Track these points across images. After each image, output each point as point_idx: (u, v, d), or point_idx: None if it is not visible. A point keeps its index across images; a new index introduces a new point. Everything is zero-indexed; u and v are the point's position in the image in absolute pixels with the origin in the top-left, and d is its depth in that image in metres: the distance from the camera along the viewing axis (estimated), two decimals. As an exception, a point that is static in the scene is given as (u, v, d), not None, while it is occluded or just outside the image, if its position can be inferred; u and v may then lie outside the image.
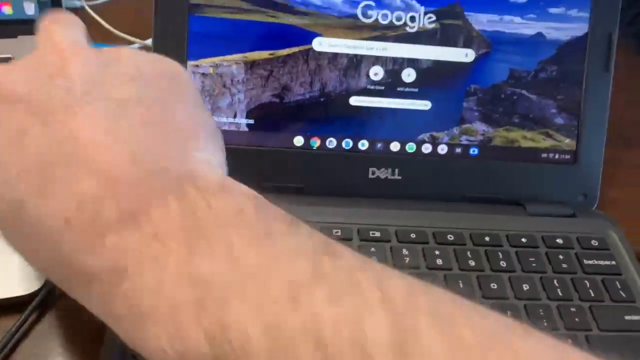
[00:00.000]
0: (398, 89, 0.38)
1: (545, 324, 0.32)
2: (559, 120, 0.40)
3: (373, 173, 0.38)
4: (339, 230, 0.35)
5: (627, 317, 0.33)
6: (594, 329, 0.32)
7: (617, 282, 0.34)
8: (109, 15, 0.52)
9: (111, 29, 0.51)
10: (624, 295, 0.34)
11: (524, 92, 0.39)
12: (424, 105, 0.38)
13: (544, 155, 0.40)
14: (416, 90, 0.38)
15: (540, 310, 0.32)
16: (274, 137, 0.37)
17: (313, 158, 0.38)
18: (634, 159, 0.47)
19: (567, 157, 0.40)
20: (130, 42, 0.50)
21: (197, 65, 0.36)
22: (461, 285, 0.33)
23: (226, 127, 0.37)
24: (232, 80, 0.37)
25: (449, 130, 0.39)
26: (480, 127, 0.39)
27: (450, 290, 0.18)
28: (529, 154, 0.40)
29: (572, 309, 0.33)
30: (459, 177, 0.39)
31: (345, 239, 0.35)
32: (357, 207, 0.37)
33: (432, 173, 0.39)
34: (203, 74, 0.36)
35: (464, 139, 0.39)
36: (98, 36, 0.51)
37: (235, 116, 0.37)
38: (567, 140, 0.40)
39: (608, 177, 0.41)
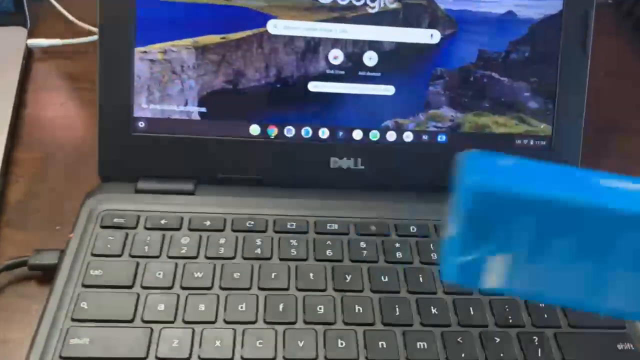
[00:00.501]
0: (359, 73, 0.36)
1: (511, 320, 0.29)
2: (532, 105, 0.37)
3: (335, 163, 0.36)
4: (294, 224, 0.33)
5: (600, 313, 0.30)
6: (564, 326, 0.30)
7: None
8: (71, 6, 0.50)
9: (74, 20, 0.50)
10: (598, 289, 0.31)
11: (494, 74, 0.37)
12: (388, 90, 0.36)
13: (518, 141, 0.38)
14: (379, 74, 0.36)
15: (507, 307, 0.30)
16: (229, 126, 0.35)
17: (271, 148, 0.36)
18: (619, 146, 0.45)
19: (543, 143, 0.38)
20: (93, 33, 0.49)
21: (145, 52, 0.35)
22: (422, 279, 0.31)
23: (177, 116, 0.35)
24: (182, 67, 0.35)
25: (415, 116, 0.37)
26: (448, 112, 0.37)
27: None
28: (502, 140, 0.37)
29: (542, 304, 0.30)
30: (427, 165, 0.37)
31: (301, 232, 0.33)
32: (318, 199, 0.35)
33: (398, 162, 0.36)
34: (151, 60, 0.35)
35: (431, 125, 0.37)
36: (61, 28, 0.49)
37: (186, 104, 0.35)
38: (542, 126, 0.37)
39: (590, 166, 0.39)
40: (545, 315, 0.30)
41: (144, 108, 0.35)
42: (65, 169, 0.38)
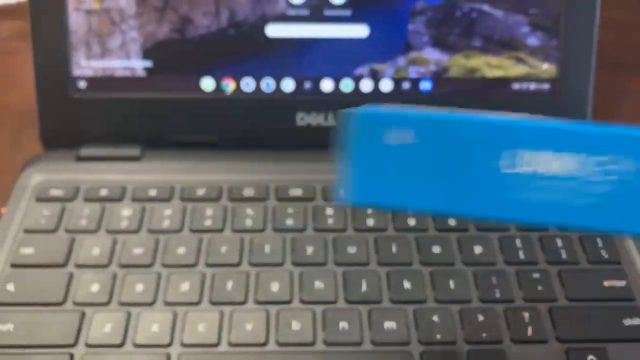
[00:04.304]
0: (325, 12, 0.31)
1: (498, 294, 0.25)
2: (533, 41, 0.32)
3: (301, 119, 0.32)
4: (252, 190, 0.29)
5: (606, 283, 0.26)
6: (560, 299, 0.25)
7: (599, 239, 0.27)
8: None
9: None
10: (605, 255, 0.27)
11: (485, 7, 0.31)
12: (360, 31, 0.31)
13: (516, 86, 0.32)
14: (348, 13, 0.31)
15: (494, 278, 0.26)
16: (178, 81, 0.31)
17: (227, 105, 0.31)
18: (633, 87, 0.39)
19: (546, 86, 0.32)
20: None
21: (79, 1, 0.30)
22: (395, 248, 0.27)
23: (120, 73, 0.31)
24: (122, 16, 0.31)
25: (393, 60, 0.32)
26: (432, 54, 0.32)
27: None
28: (496, 85, 0.32)
29: (536, 275, 0.26)
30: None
31: (259, 200, 0.29)
32: (282, 162, 0.31)
33: (375, 115, 0.32)
34: (87, 10, 0.31)
35: (412, 71, 0.32)
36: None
37: (129, 58, 0.31)
38: (545, 66, 0.32)
39: (600, 110, 0.33)
40: (540, 288, 0.26)
41: (84, 66, 0.31)
42: (12, 137, 0.35)
